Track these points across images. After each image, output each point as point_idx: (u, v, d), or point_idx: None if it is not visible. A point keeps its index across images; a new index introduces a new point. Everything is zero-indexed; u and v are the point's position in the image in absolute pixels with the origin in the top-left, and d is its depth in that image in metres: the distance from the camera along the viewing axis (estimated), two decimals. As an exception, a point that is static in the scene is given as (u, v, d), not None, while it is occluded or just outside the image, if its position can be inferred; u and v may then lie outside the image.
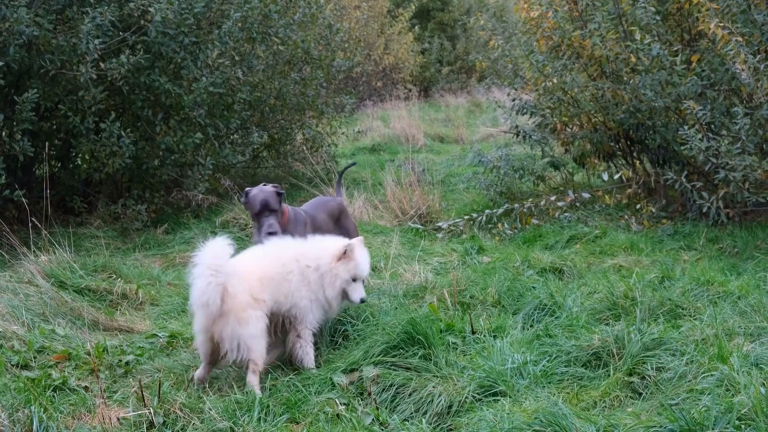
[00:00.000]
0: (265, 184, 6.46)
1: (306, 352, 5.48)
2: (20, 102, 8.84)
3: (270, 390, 4.97)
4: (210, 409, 4.62)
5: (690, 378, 4.72)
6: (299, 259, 5.53)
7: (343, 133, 15.12)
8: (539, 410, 4.37)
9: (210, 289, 4.95)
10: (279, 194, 6.39)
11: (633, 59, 9.73)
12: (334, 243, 5.66)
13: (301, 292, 5.46)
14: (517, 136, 11.79)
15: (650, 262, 7.87)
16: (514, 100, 11.63)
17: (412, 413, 4.75)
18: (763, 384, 4.48)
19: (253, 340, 5.12)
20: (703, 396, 4.42)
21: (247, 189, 6.46)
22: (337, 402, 4.78)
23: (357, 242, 5.66)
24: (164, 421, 4.60)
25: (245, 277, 5.21)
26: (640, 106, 9.72)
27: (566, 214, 9.94)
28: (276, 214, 6.29)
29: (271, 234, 6.10)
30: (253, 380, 5.12)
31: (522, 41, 11.59)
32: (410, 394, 4.86)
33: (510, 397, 4.77)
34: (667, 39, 9.92)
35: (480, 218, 9.96)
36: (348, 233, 6.83)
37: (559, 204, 10.13)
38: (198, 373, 5.31)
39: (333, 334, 5.87)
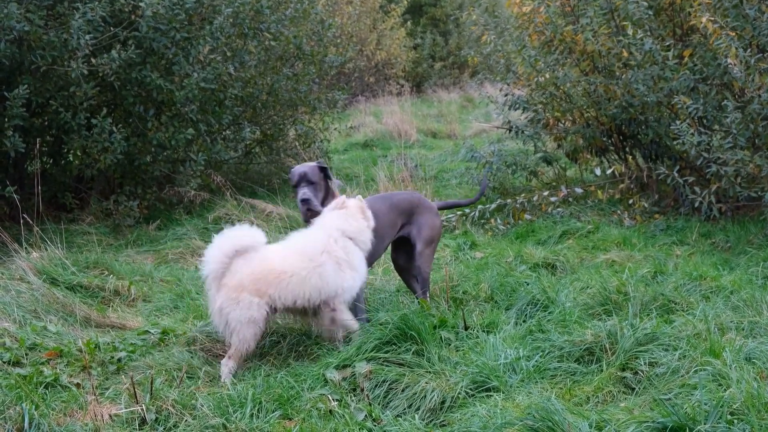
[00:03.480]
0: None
1: None
2: (11, 98, 8.81)
3: (262, 386, 4.96)
4: (202, 406, 4.61)
5: (683, 373, 4.73)
6: None
7: (335, 129, 15.09)
8: (532, 406, 4.37)
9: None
10: (322, 168, 6.27)
11: (625, 54, 9.73)
12: None
13: None
14: (510, 131, 11.78)
15: (643, 257, 7.88)
16: (506, 95, 11.62)
17: (404, 409, 4.74)
18: (756, 379, 4.49)
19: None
20: (695, 391, 4.42)
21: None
22: (330, 398, 4.78)
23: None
24: (156, 418, 4.59)
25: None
26: (632, 101, 9.73)
27: (559, 209, 9.95)
28: (314, 185, 6.16)
29: (304, 201, 6.07)
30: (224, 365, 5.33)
31: (514, 36, 11.58)
32: (403, 390, 4.86)
33: (503, 392, 4.78)
34: (660, 34, 9.92)
35: (472, 214, 9.96)
36: (419, 230, 6.51)
37: (552, 199, 10.14)
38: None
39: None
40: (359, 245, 5.76)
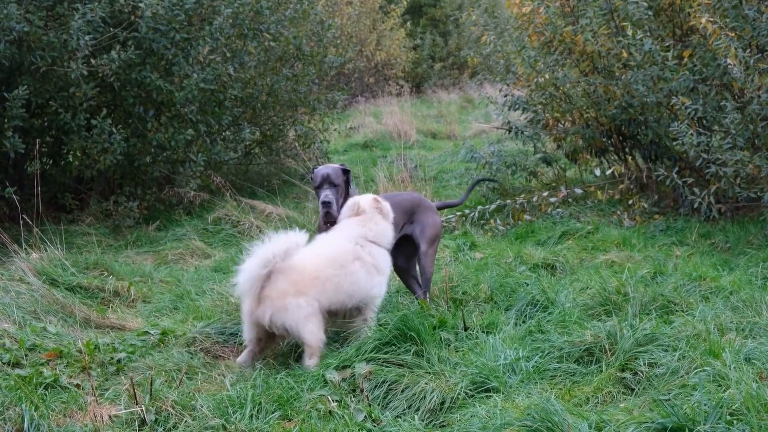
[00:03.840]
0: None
1: None
2: (11, 99, 8.81)
3: (262, 387, 4.95)
4: (202, 407, 4.61)
5: (682, 373, 4.72)
6: None
7: (335, 130, 15.10)
8: (531, 406, 4.37)
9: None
10: (345, 171, 6.27)
11: (625, 54, 9.74)
12: None
13: None
14: (509, 132, 11.78)
15: (642, 258, 7.88)
16: (506, 95, 11.62)
17: (404, 410, 4.74)
18: (755, 379, 4.49)
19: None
20: (695, 391, 4.42)
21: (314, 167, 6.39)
22: (330, 399, 4.77)
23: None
24: (156, 419, 4.58)
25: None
26: (632, 102, 9.73)
27: (558, 209, 9.95)
28: (336, 188, 6.16)
29: (325, 204, 6.08)
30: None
31: (514, 37, 11.58)
32: (402, 391, 4.85)
33: (502, 393, 4.77)
34: (659, 34, 9.92)
35: (472, 214, 9.96)
36: (421, 229, 6.56)
37: (552, 200, 10.13)
38: (240, 358, 5.50)
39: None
40: (383, 246, 5.84)
